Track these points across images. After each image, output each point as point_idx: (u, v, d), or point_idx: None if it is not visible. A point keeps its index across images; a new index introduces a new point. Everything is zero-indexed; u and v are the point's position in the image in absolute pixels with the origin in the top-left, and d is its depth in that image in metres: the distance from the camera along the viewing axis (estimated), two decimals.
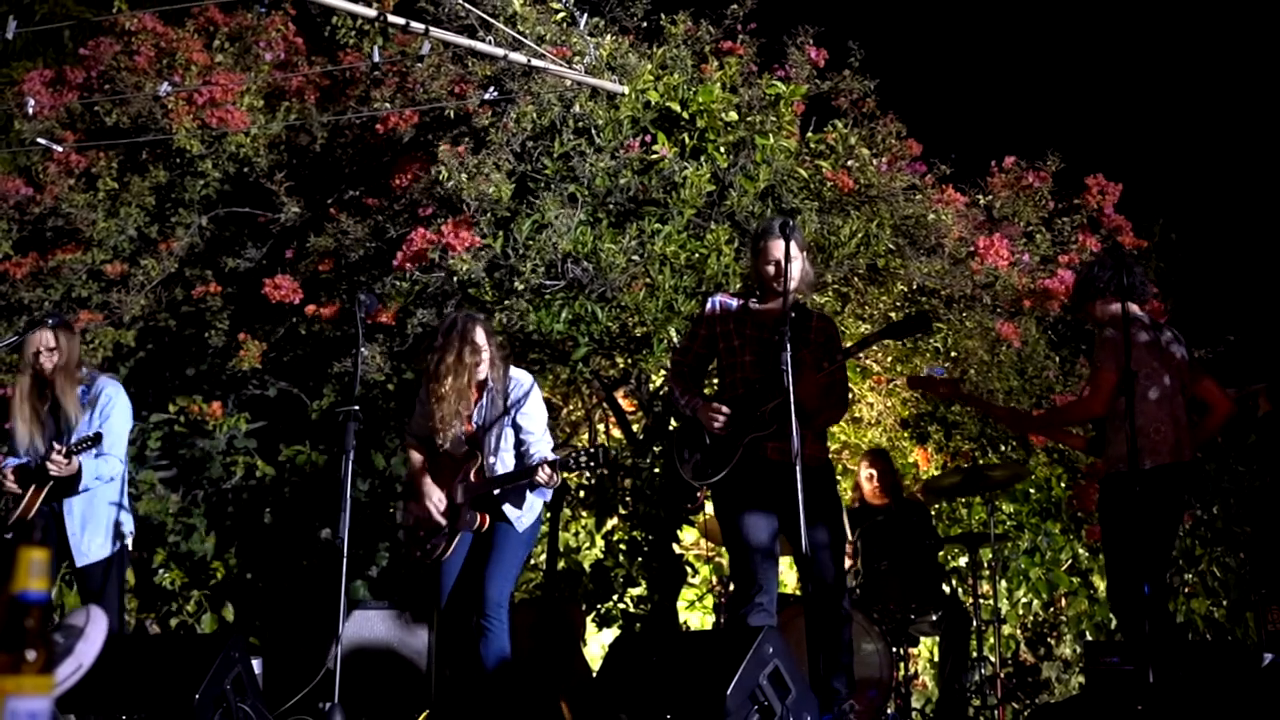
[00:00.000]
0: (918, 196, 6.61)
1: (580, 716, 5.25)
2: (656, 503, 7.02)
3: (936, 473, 7.59)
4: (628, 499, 7.33)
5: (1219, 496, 7.78)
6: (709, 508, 7.38)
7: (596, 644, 7.47)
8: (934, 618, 6.01)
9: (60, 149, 6.52)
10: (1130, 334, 4.38)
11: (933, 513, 7.39)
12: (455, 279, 5.93)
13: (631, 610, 7.28)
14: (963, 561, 7.27)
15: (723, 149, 6.34)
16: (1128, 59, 10.85)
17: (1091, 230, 6.86)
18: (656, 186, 6.20)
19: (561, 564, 7.36)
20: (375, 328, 6.29)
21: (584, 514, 7.71)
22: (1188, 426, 4.56)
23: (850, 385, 5.41)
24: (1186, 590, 7.85)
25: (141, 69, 6.66)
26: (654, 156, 6.19)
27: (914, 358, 7.12)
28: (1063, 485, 7.68)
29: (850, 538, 6.26)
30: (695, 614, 8.36)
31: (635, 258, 6.04)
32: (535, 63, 6.05)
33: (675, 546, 7.23)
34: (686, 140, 6.32)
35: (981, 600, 6.30)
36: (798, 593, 6.04)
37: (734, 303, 4.66)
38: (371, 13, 6.11)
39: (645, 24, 6.76)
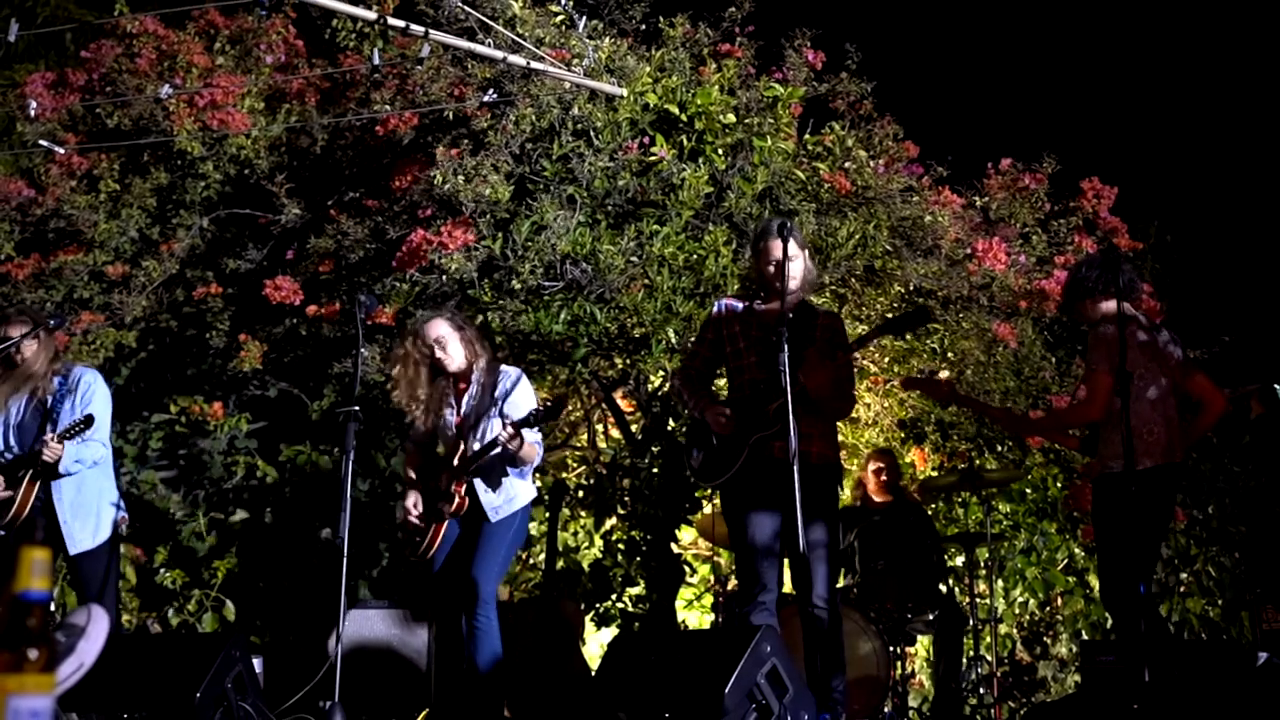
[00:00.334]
0: (914, 198, 6.64)
1: (579, 715, 5.27)
2: (655, 503, 7.05)
3: (933, 473, 7.62)
4: (626, 499, 7.35)
5: (1214, 496, 7.81)
6: (708, 507, 7.42)
7: (595, 643, 7.49)
8: (930, 617, 6.04)
9: (62, 151, 6.55)
10: (1127, 333, 4.40)
11: (929, 513, 7.43)
12: (448, 278, 5.97)
13: (630, 609, 7.31)
14: (959, 561, 7.29)
15: (721, 151, 6.37)
16: (1123, 62, 10.88)
17: (1087, 232, 6.89)
18: (655, 188, 6.24)
19: (560, 563, 7.38)
20: (375, 328, 6.32)
21: (583, 514, 7.74)
22: (1180, 427, 4.59)
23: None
24: (1182, 590, 7.88)
25: (143, 71, 6.68)
26: (652, 158, 6.22)
27: (911, 358, 7.15)
28: (1059, 485, 7.71)
29: (848, 537, 6.31)
30: (693, 613, 8.38)
31: (633, 259, 6.07)
32: (534, 65, 6.08)
33: (673, 546, 7.26)
34: (685, 142, 6.36)
35: (978, 599, 6.34)
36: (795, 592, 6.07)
37: (739, 305, 4.70)
38: (371, 15, 6.13)
39: (644, 27, 6.79)
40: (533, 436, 4.72)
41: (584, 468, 8.15)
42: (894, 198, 6.52)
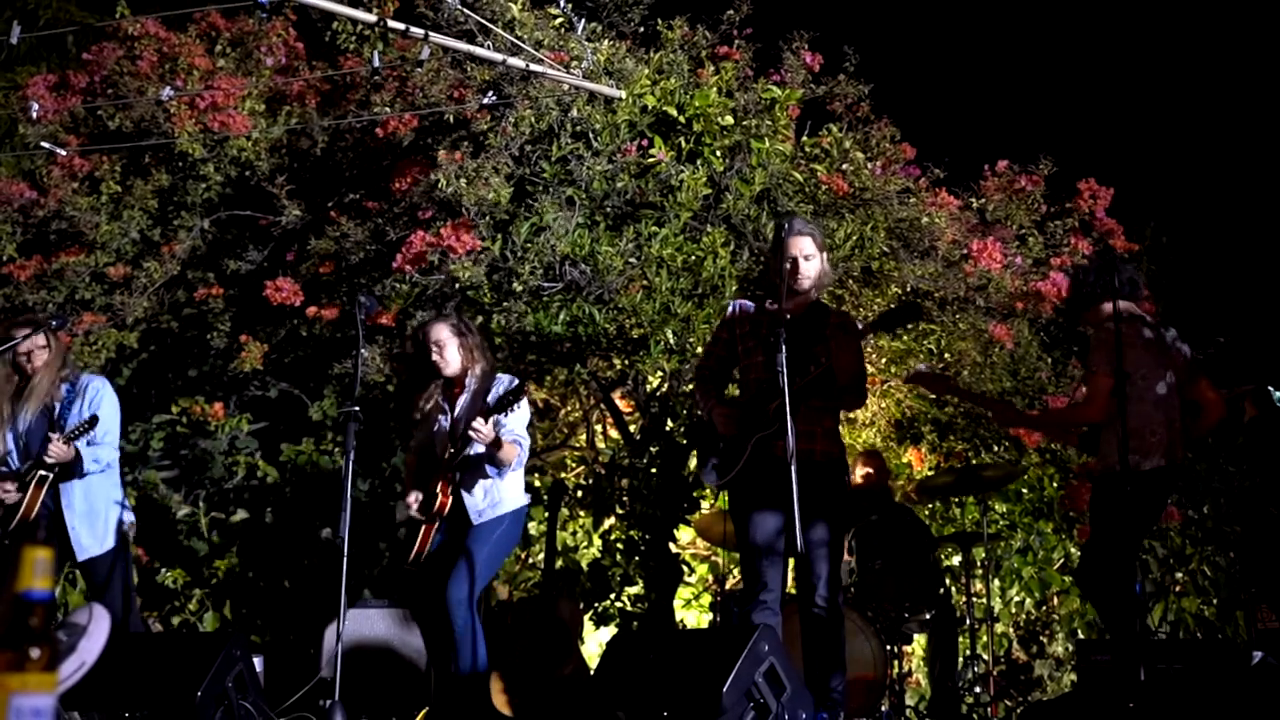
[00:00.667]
0: (911, 200, 6.67)
1: (578, 714, 5.30)
2: (653, 502, 7.07)
3: (930, 473, 7.65)
4: (625, 499, 7.37)
5: (1209, 496, 7.84)
6: (706, 507, 7.45)
7: (594, 642, 7.52)
8: (927, 616, 6.07)
9: (64, 153, 6.56)
10: (1131, 333, 4.43)
11: (925, 513, 7.46)
12: (456, 284, 6.00)
13: (629, 609, 7.33)
14: (956, 560, 7.32)
15: (719, 153, 6.41)
16: (1119, 65, 10.92)
17: (1083, 233, 6.92)
18: (653, 190, 6.27)
19: (559, 563, 7.41)
20: (375, 329, 6.35)
21: (581, 514, 7.77)
22: (1181, 428, 4.61)
23: None
24: (1177, 589, 7.92)
25: (144, 74, 6.69)
26: (651, 160, 6.26)
27: (908, 359, 7.18)
28: (1055, 485, 7.73)
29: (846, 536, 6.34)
30: (691, 612, 8.41)
31: (632, 260, 6.10)
32: (533, 67, 6.10)
33: (672, 546, 7.28)
34: (683, 144, 6.39)
35: (975, 599, 6.37)
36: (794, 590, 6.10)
37: (752, 305, 4.72)
38: (372, 18, 6.16)
39: (642, 29, 6.81)
40: (511, 434, 4.71)
41: (583, 468, 8.19)
42: (891, 199, 6.56)
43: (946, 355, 6.90)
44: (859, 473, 6.58)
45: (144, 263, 6.57)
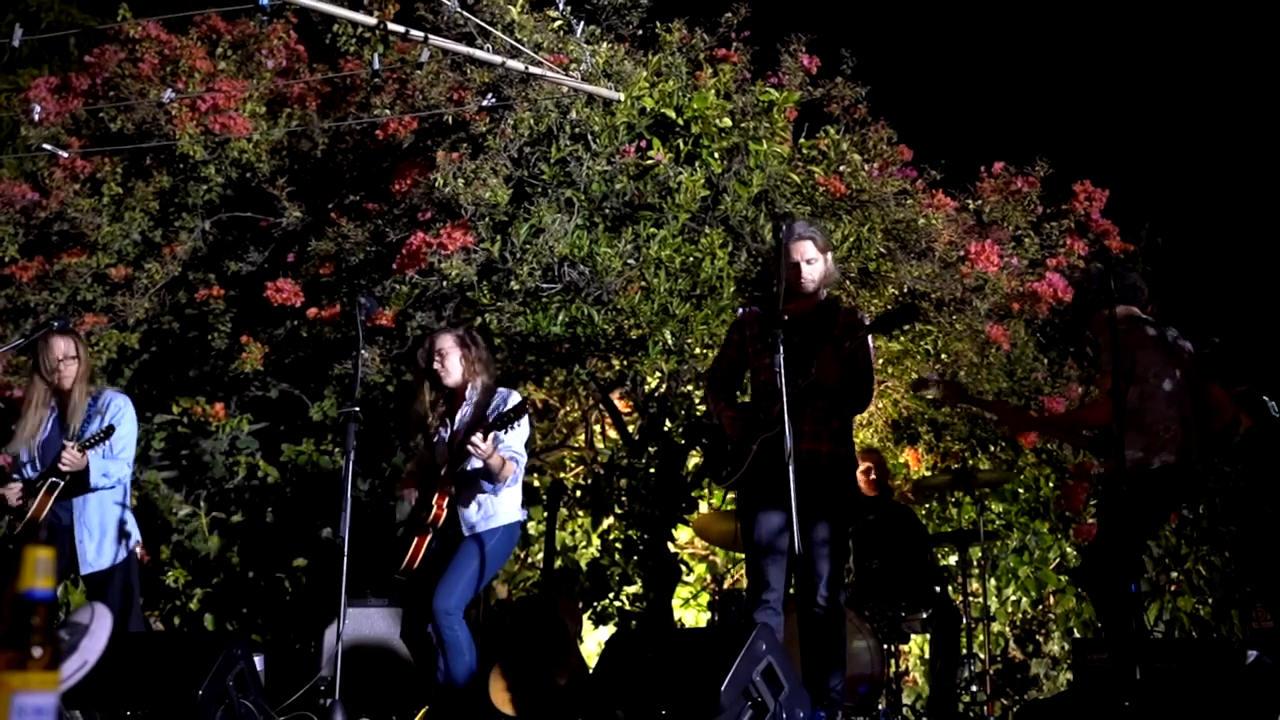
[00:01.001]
0: (908, 201, 6.70)
1: (577, 712, 5.33)
2: (652, 502, 7.10)
3: (927, 473, 7.69)
4: (623, 499, 7.41)
5: (1205, 496, 7.87)
6: (704, 507, 7.49)
7: (593, 641, 7.55)
8: (924, 615, 6.11)
9: (65, 154, 6.59)
10: (1138, 333, 4.47)
11: (922, 512, 7.49)
12: (447, 282, 6.03)
13: (627, 608, 7.36)
14: (953, 560, 7.35)
15: (717, 154, 6.44)
16: (1115, 66, 10.94)
17: (1079, 235, 6.95)
18: (651, 191, 6.30)
19: (559, 562, 7.44)
20: (375, 330, 6.37)
21: (580, 514, 7.80)
22: (1195, 425, 4.63)
23: None
24: (1173, 588, 7.95)
25: (145, 76, 6.72)
26: (649, 162, 6.29)
27: (905, 359, 7.21)
28: (1051, 485, 7.76)
29: None
30: (690, 611, 8.44)
31: (631, 261, 6.13)
32: (532, 70, 6.13)
33: (670, 545, 7.31)
34: (681, 146, 6.42)
35: (971, 598, 6.40)
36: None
37: (759, 308, 4.74)
38: (372, 21, 6.19)
39: (640, 32, 6.83)
40: (509, 451, 4.70)
41: (582, 468, 8.22)
42: (888, 201, 6.58)
43: (943, 356, 6.93)
44: (859, 470, 6.60)
45: (145, 264, 6.60)
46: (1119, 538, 4.50)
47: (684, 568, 7.72)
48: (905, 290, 6.79)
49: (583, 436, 8.22)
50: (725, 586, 7.52)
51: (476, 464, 4.69)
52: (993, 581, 7.67)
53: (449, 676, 4.63)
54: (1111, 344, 4.31)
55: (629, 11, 6.78)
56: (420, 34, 6.04)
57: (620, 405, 7.64)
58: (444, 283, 6.06)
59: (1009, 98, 10.33)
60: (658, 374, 6.63)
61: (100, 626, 3.65)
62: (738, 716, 3.71)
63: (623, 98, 6.31)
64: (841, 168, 6.63)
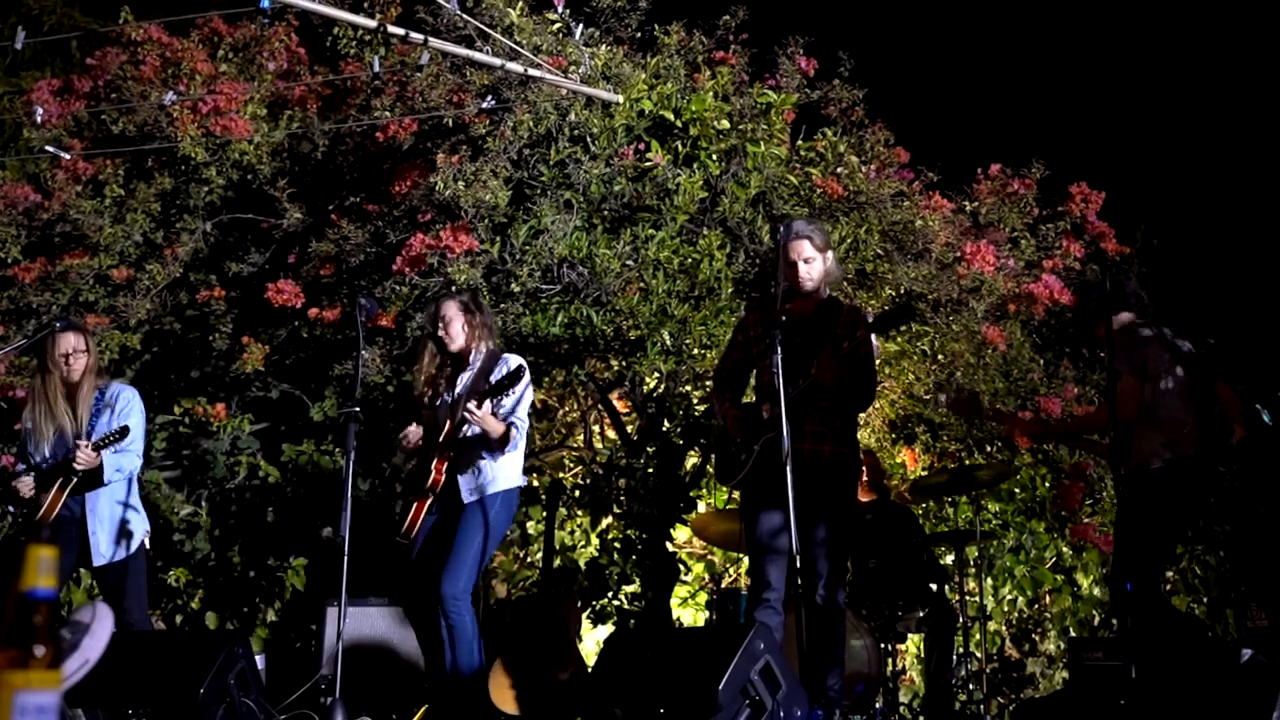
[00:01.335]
0: (905, 203, 6.73)
1: (576, 711, 5.37)
2: (650, 502, 7.13)
3: (924, 473, 7.72)
4: (622, 498, 7.43)
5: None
6: (702, 506, 7.52)
7: (592, 640, 7.58)
8: (921, 614, 6.14)
9: (68, 156, 6.61)
10: (1142, 335, 4.53)
11: (919, 512, 7.52)
12: (455, 286, 6.05)
13: (626, 607, 7.38)
14: (949, 559, 7.39)
15: (715, 156, 6.47)
16: (1111, 68, 10.97)
17: (1075, 236, 6.99)
18: (650, 193, 6.33)
19: (558, 562, 7.47)
20: (375, 331, 6.40)
21: (579, 513, 7.83)
22: (1210, 419, 4.67)
23: None
24: (1169, 588, 7.97)
25: (147, 78, 6.74)
26: (648, 164, 6.32)
27: (902, 360, 7.24)
28: (1047, 485, 7.79)
29: None
30: (688, 611, 8.47)
31: (629, 263, 6.17)
32: (532, 72, 6.15)
33: (668, 545, 7.34)
34: (679, 148, 6.45)
35: (968, 597, 6.43)
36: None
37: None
38: (372, 24, 6.20)
39: (639, 34, 6.85)
40: (509, 416, 4.70)
41: (580, 468, 8.25)
42: (885, 202, 6.62)
43: (940, 356, 6.96)
44: None
45: (147, 265, 6.62)
46: (1150, 535, 4.51)
47: (682, 567, 7.75)
48: (902, 291, 6.82)
49: (581, 436, 8.26)
50: (723, 585, 7.55)
51: (475, 430, 4.71)
52: (989, 581, 7.70)
53: (455, 666, 4.64)
54: (1108, 348, 4.37)
55: (628, 14, 6.81)
56: (420, 36, 6.06)
57: (619, 405, 7.67)
58: (450, 286, 6.08)
59: (1006, 100, 10.37)
60: (656, 374, 6.67)
61: (102, 625, 3.67)
62: (735, 715, 3.72)
63: (621, 100, 6.33)
64: (839, 169, 6.66)
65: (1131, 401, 4.50)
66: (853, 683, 5.58)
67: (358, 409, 4.68)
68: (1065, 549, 7.92)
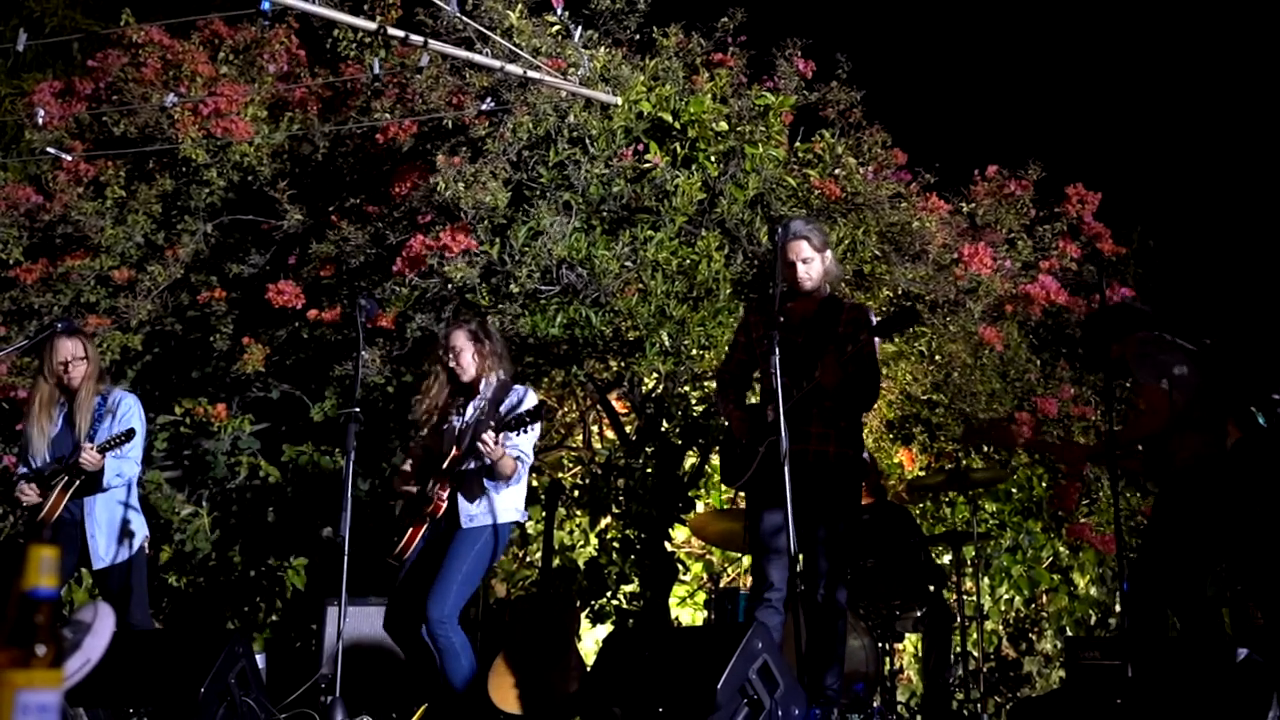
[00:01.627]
0: (903, 204, 6.76)
1: (575, 710, 5.39)
2: (649, 502, 7.15)
3: (921, 473, 7.74)
4: (621, 498, 7.46)
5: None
6: (701, 506, 7.55)
7: (591, 639, 7.60)
8: (918, 614, 6.16)
9: (69, 158, 6.63)
10: (1154, 346, 4.60)
11: (917, 512, 7.54)
12: (451, 285, 6.08)
13: (624, 607, 7.40)
14: (946, 559, 7.41)
15: (713, 158, 6.49)
16: (1108, 71, 11.01)
17: (1072, 237, 7.02)
18: (649, 194, 6.36)
19: (556, 561, 7.50)
20: (375, 332, 6.42)
21: (578, 513, 7.85)
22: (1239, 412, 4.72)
23: None
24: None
25: (148, 80, 6.76)
26: (646, 165, 6.35)
27: (900, 361, 7.27)
28: (1044, 485, 7.82)
29: None
30: (686, 610, 8.50)
31: (628, 264, 6.19)
32: (531, 74, 6.17)
33: (667, 544, 7.36)
34: (678, 149, 6.48)
35: (965, 597, 6.45)
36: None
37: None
38: (372, 26, 6.23)
39: (638, 37, 6.88)
40: (516, 450, 4.65)
41: (579, 468, 8.28)
42: (883, 204, 6.64)
43: (937, 357, 6.99)
44: None
45: (148, 266, 6.64)
46: (1202, 533, 4.56)
47: (681, 567, 7.77)
48: (899, 292, 6.85)
49: (580, 437, 8.28)
50: (721, 585, 7.58)
51: (477, 457, 4.68)
52: (986, 580, 7.73)
53: (447, 682, 4.59)
54: (1106, 358, 4.43)
55: (626, 16, 6.83)
56: (420, 39, 6.08)
57: (618, 406, 7.70)
58: (448, 286, 6.11)
59: (1003, 102, 10.41)
60: (655, 375, 6.69)
61: (103, 624, 3.69)
62: (733, 714, 3.72)
63: (620, 102, 6.36)
64: (836, 171, 6.68)
65: (1164, 410, 4.52)
66: (851, 682, 5.60)
67: (358, 409, 4.69)
68: (1062, 549, 7.95)
